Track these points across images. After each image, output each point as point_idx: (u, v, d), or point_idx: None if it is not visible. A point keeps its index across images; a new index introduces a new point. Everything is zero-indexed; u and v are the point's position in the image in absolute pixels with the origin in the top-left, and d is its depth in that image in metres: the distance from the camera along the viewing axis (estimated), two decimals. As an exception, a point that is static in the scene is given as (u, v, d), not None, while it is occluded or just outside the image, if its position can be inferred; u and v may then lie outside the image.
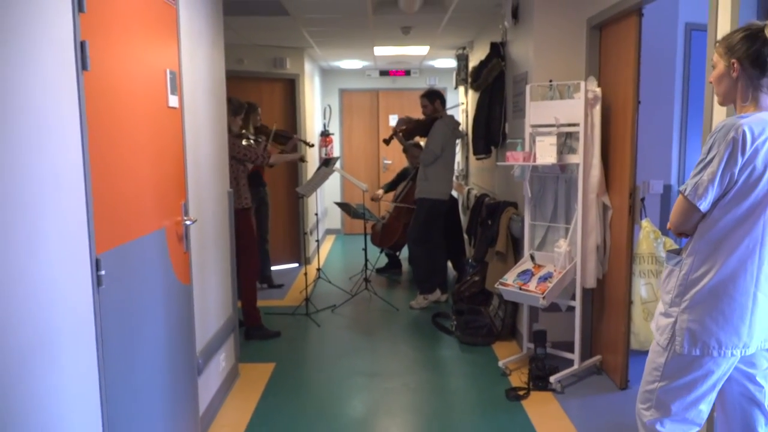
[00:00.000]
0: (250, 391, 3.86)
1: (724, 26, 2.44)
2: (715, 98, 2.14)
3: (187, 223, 2.95)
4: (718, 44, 2.05)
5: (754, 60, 1.94)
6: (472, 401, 3.79)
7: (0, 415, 1.53)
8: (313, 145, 6.55)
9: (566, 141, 3.91)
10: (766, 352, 2.09)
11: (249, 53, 6.87)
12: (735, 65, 1.97)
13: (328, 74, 9.62)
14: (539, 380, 3.85)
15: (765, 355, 2.10)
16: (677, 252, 2.14)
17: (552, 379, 3.81)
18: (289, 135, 5.77)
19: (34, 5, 1.72)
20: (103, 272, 2.05)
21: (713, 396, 2.13)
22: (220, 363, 3.67)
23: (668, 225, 2.10)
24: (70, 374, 1.87)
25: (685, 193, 1.97)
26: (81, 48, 1.94)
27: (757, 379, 2.13)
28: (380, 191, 7.14)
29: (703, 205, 1.95)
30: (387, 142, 6.30)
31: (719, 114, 2.47)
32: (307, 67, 7.62)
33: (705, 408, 2.14)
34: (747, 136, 1.87)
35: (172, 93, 2.81)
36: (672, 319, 2.08)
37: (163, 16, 2.76)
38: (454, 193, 6.88)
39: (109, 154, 2.15)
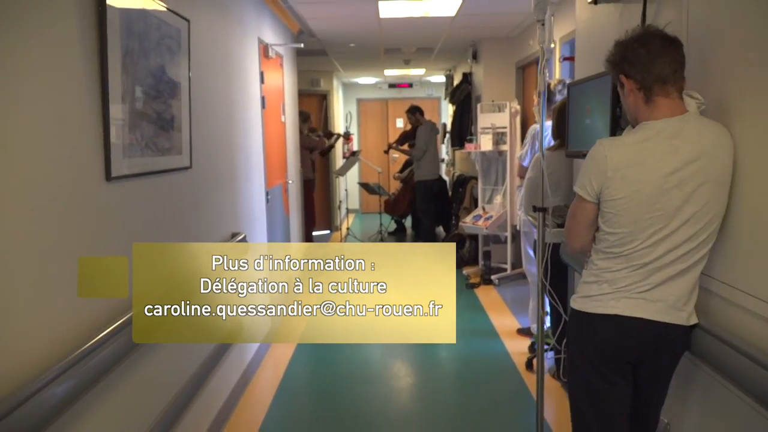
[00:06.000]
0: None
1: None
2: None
3: (289, 182, 5.58)
4: (535, 91, 4.64)
5: (547, 98, 4.51)
6: (445, 291, 6.41)
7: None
8: (340, 136, 9.01)
9: (501, 137, 6.50)
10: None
11: (294, 76, 9.50)
12: (538, 100, 4.54)
13: (348, 87, 12.27)
14: (485, 280, 6.45)
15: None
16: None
17: (493, 277, 6.41)
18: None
19: (250, 82, 4.35)
20: (269, 197, 4.68)
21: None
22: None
23: (516, 173, 4.72)
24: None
25: (519, 158, 4.57)
26: (262, 100, 4.58)
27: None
28: (398, 175, 9.76)
29: (525, 163, 4.53)
30: (386, 151, 8.93)
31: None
32: (334, 83, 10.26)
33: (538, 257, 4.73)
34: (538, 131, 4.45)
35: (282, 114, 5.45)
36: (520, 215, 4.68)
37: (279, 74, 5.40)
38: (445, 177, 9.50)
39: (268, 143, 4.78)
